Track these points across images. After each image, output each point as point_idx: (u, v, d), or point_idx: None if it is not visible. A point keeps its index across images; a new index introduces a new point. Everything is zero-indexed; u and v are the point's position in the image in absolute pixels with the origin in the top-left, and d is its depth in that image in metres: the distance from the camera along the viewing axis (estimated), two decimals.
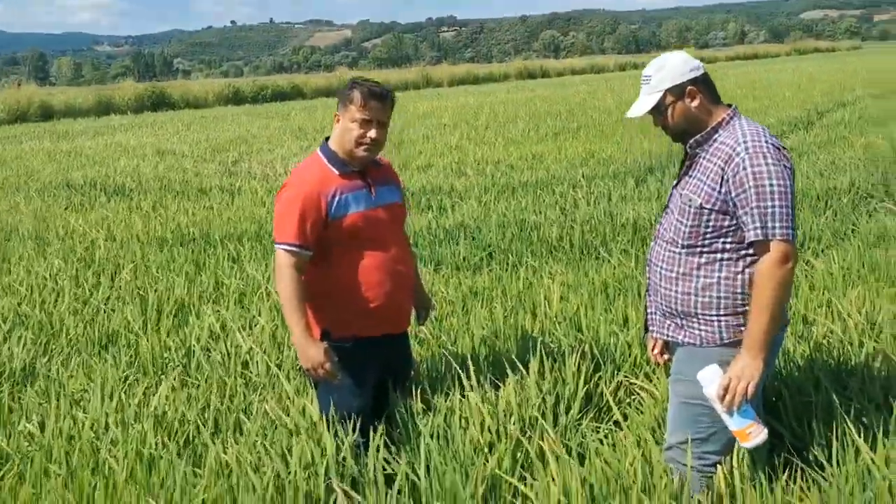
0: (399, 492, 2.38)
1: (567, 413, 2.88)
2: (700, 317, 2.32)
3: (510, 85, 35.32)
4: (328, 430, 2.61)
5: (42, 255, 5.97)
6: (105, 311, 4.47)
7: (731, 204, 2.22)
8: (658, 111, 2.35)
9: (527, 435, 2.62)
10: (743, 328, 2.26)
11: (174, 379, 3.34)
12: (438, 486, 2.40)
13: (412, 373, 3.07)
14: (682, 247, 2.32)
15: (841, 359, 3.11)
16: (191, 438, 2.85)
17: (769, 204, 2.16)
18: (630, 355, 3.30)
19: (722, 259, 2.28)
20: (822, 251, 5.04)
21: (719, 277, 2.28)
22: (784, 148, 2.28)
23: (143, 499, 2.35)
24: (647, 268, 2.51)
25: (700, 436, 2.33)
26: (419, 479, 2.45)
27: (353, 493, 2.38)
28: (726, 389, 2.19)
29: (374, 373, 2.78)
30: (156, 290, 4.71)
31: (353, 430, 2.64)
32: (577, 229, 5.82)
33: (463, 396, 2.87)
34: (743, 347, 2.21)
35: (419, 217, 6.82)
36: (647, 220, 5.96)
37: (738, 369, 2.18)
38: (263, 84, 34.58)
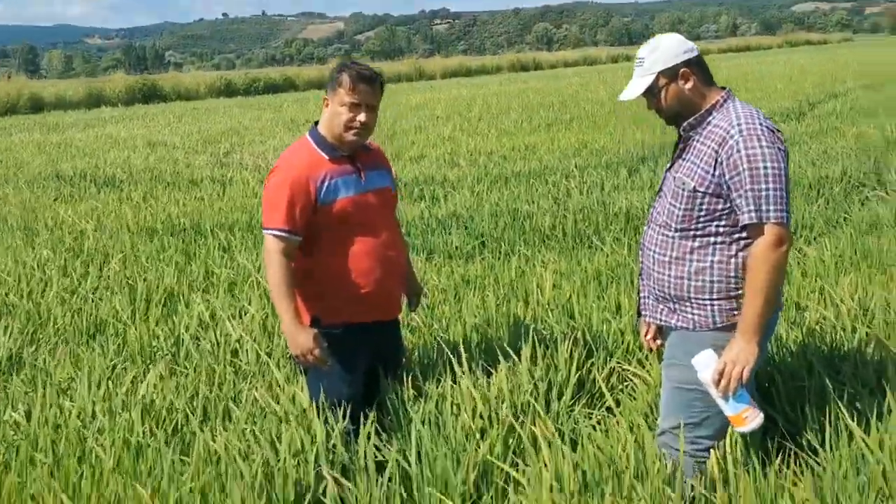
0: (390, 479, 2.36)
1: (559, 399, 2.86)
2: (693, 301, 2.30)
3: (503, 77, 35.24)
4: (318, 418, 2.58)
5: (30, 246, 5.91)
6: (93, 301, 4.42)
7: (724, 187, 2.20)
8: (651, 94, 2.32)
9: (519, 420, 2.60)
10: (736, 312, 2.25)
11: (163, 367, 3.30)
12: (430, 473, 2.38)
13: (403, 360, 3.05)
14: (676, 230, 2.30)
15: (834, 344, 3.10)
16: (179, 427, 2.82)
17: (763, 187, 2.14)
18: (623, 342, 3.28)
19: (715, 243, 2.26)
20: (815, 239, 5.04)
21: (713, 261, 2.26)
22: (778, 130, 2.26)
23: (129, 487, 2.32)
24: (640, 252, 2.49)
25: (693, 420, 2.32)
26: (410, 465, 2.43)
27: (343, 481, 2.35)
28: (721, 374, 2.17)
29: (364, 360, 2.75)
30: (145, 280, 4.67)
31: (344, 418, 2.61)
32: (569, 218, 5.80)
33: (454, 383, 2.85)
34: (737, 331, 2.19)
35: (411, 207, 6.79)
36: (639, 209, 5.94)
37: (734, 354, 2.17)
38: (255, 76, 34.39)
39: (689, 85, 2.29)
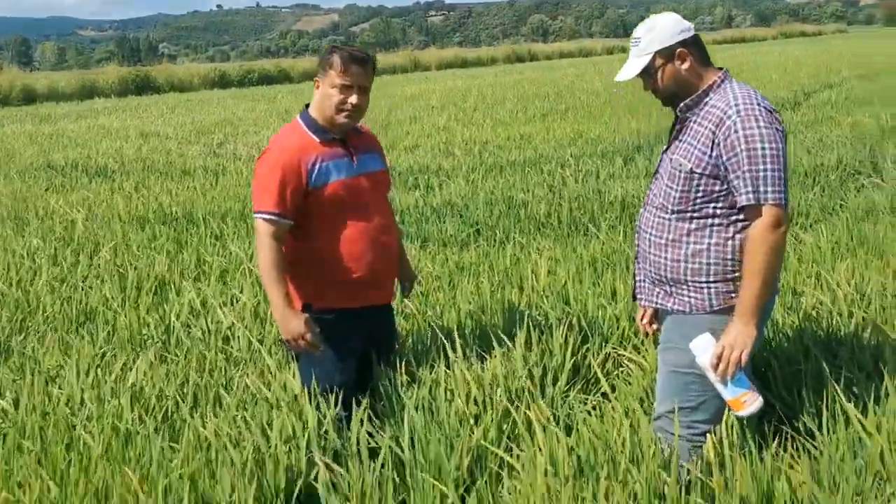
0: (382, 465, 2.32)
1: (554, 385, 2.83)
2: (690, 284, 2.27)
3: (498, 69, 35.13)
4: (310, 404, 2.55)
5: (20, 235, 5.85)
6: (83, 289, 4.38)
7: (722, 168, 2.17)
8: (648, 74, 2.29)
9: (514, 405, 2.57)
10: (733, 295, 2.22)
11: (153, 355, 3.26)
12: (423, 459, 2.35)
13: (397, 346, 3.01)
14: (672, 212, 2.27)
15: (830, 329, 3.08)
16: (169, 414, 2.78)
17: (761, 168, 2.11)
18: (618, 327, 3.26)
19: (712, 225, 2.23)
20: (811, 226, 5.02)
21: (709, 244, 2.23)
22: (776, 111, 2.23)
23: (117, 474, 2.28)
24: (636, 235, 2.46)
25: (689, 404, 2.29)
26: (403, 451, 2.40)
27: (335, 466, 2.32)
28: (720, 358, 2.14)
29: (357, 345, 2.72)
30: (135, 268, 4.62)
31: (336, 404, 2.58)
32: (565, 206, 5.77)
33: (448, 369, 2.82)
34: (735, 314, 2.16)
35: (406, 195, 6.75)
36: (635, 196, 5.91)
37: (732, 337, 2.14)
38: (250, 68, 34.21)
39: (685, 65, 2.26)
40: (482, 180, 7.25)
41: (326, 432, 2.49)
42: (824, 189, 6.01)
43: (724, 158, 2.15)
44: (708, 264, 2.24)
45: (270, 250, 2.55)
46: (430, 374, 2.79)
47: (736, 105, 2.16)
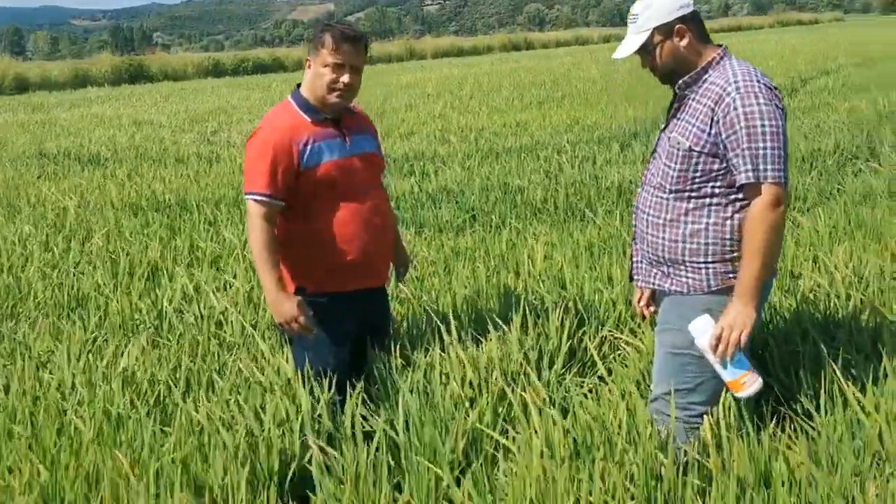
0: (377, 448, 2.30)
1: (550, 368, 2.80)
2: (687, 264, 2.24)
3: (494, 57, 34.97)
4: (303, 387, 2.52)
5: (11, 222, 5.80)
6: (75, 275, 4.33)
7: (721, 146, 2.13)
8: (646, 51, 2.25)
9: (510, 388, 2.55)
10: (731, 275, 2.19)
11: (145, 340, 3.23)
12: (417, 441, 2.32)
13: (391, 329, 2.98)
14: (670, 192, 2.24)
15: (828, 311, 3.06)
16: (161, 398, 2.75)
17: (761, 145, 2.08)
18: (615, 311, 3.23)
19: (710, 204, 2.20)
20: (808, 210, 5.00)
21: (707, 223, 2.20)
22: (776, 88, 2.19)
23: (108, 458, 2.25)
24: (634, 215, 2.43)
25: (686, 386, 2.27)
26: (398, 434, 2.37)
27: (329, 449, 2.30)
28: (719, 339, 2.12)
29: (351, 328, 2.69)
30: (128, 254, 4.58)
31: (330, 387, 2.55)
32: (561, 192, 5.73)
33: (444, 352, 2.79)
34: (734, 295, 2.14)
35: (401, 182, 6.71)
36: (632, 182, 5.88)
37: (731, 318, 2.11)
38: (244, 56, 34.01)
39: (684, 42, 2.22)
40: (478, 166, 7.21)
41: (320, 416, 2.46)
42: (822, 173, 5.99)
43: (723, 136, 2.12)
44: (706, 244, 2.21)
45: (262, 232, 2.51)
46: (426, 357, 2.77)
47: (735, 82, 2.13)
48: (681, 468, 2.08)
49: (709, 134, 2.15)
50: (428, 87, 17.20)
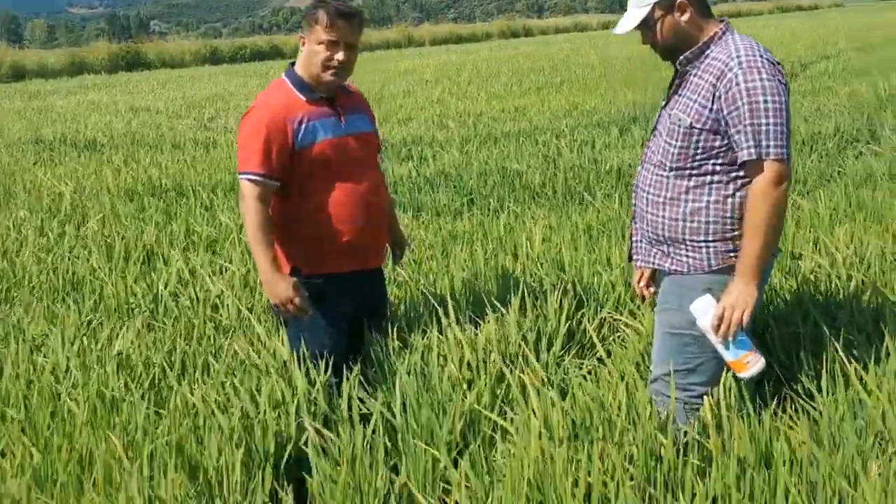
0: (374, 430, 2.27)
1: (549, 349, 2.78)
2: (688, 243, 2.20)
3: (493, 44, 34.77)
4: (299, 369, 2.49)
5: (7, 207, 5.76)
6: (70, 259, 4.30)
7: (722, 122, 2.09)
8: (646, 26, 2.21)
9: (508, 369, 2.52)
10: (732, 254, 2.16)
11: (140, 323, 3.20)
12: (415, 423, 2.30)
13: (388, 312, 2.95)
14: (671, 170, 2.20)
15: (829, 292, 3.03)
16: (156, 381, 2.72)
17: (763, 121, 2.03)
18: (614, 293, 3.20)
19: (712, 182, 2.16)
20: (808, 192, 4.96)
21: (708, 202, 2.16)
22: (779, 63, 2.15)
23: (101, 440, 2.23)
24: (633, 194, 2.39)
25: (687, 366, 2.24)
26: (395, 416, 2.35)
27: (325, 431, 2.27)
28: (721, 319, 2.08)
29: (347, 310, 2.66)
30: (123, 238, 4.54)
31: (326, 370, 2.53)
32: (560, 176, 5.70)
33: (441, 334, 2.76)
34: (736, 274, 2.10)
35: (399, 166, 6.66)
36: (631, 166, 5.84)
37: (733, 298, 2.08)
38: (242, 44, 33.79)
39: (685, 17, 2.17)
40: (476, 151, 7.16)
41: (316, 398, 2.43)
42: (822, 156, 5.95)
43: (725, 112, 2.08)
44: (707, 223, 2.17)
45: (256, 213, 2.48)
46: (423, 339, 2.74)
47: (738, 57, 2.08)
48: (681, 449, 2.05)
49: (710, 110, 2.11)
50: (426, 73, 17.10)
